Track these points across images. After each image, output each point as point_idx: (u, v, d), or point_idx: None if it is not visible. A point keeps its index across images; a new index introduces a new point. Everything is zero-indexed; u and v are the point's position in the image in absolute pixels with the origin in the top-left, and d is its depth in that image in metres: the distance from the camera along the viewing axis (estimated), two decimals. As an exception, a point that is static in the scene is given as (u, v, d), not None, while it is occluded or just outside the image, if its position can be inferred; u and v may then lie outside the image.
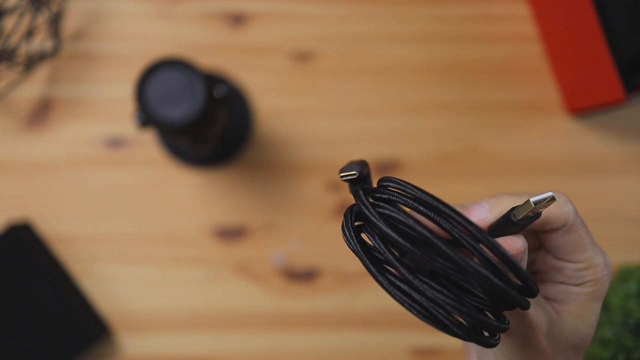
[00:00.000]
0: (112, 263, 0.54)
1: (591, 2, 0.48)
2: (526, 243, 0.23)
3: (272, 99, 0.56)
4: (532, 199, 0.21)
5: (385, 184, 0.23)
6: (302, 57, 0.56)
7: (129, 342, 0.53)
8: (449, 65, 0.57)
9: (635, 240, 0.56)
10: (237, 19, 0.57)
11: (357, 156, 0.56)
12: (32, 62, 0.53)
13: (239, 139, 0.55)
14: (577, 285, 0.24)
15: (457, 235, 0.21)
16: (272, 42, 0.56)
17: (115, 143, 0.55)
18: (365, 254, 0.23)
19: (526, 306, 0.21)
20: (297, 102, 0.56)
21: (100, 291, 0.54)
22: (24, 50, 0.54)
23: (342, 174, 0.24)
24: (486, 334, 0.22)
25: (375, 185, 0.24)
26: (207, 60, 0.56)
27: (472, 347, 0.28)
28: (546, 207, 0.22)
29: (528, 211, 0.21)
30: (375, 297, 0.54)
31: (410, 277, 0.21)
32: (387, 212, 0.21)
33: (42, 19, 0.54)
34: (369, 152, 0.56)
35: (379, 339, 0.54)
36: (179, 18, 0.56)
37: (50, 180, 0.54)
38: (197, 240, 0.54)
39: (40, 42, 0.55)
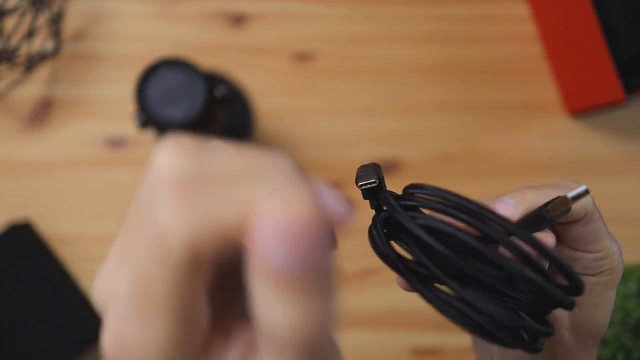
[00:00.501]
0: (113, 263, 0.54)
1: (591, 3, 0.48)
2: (555, 238, 0.22)
3: (272, 99, 0.56)
4: (570, 195, 0.20)
5: (412, 191, 0.22)
6: (302, 57, 0.56)
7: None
8: (449, 66, 0.57)
9: (635, 240, 0.56)
10: (237, 19, 0.57)
11: (357, 156, 0.56)
12: (32, 62, 0.53)
13: (239, 139, 0.55)
14: (594, 275, 0.24)
15: (500, 240, 0.19)
16: (272, 42, 0.56)
17: (116, 143, 0.55)
18: (407, 268, 0.22)
19: (572, 306, 0.21)
20: (297, 102, 0.56)
21: (100, 291, 0.54)
22: (24, 50, 0.54)
23: (361, 183, 0.23)
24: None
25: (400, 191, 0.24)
26: (207, 61, 0.56)
27: (485, 343, 0.28)
28: (579, 201, 0.21)
29: (564, 207, 0.21)
30: (375, 297, 0.54)
31: (464, 293, 0.20)
32: (428, 223, 0.21)
33: (43, 19, 0.54)
34: (369, 152, 0.56)
35: (379, 338, 0.54)
36: (179, 18, 0.56)
37: (51, 180, 0.54)
38: (197, 240, 0.54)
39: (41, 42, 0.55)
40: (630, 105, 0.54)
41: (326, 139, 0.56)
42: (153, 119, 0.41)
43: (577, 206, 0.23)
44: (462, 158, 0.56)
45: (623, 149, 0.56)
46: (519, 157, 0.56)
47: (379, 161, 0.56)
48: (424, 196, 0.22)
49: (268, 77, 0.56)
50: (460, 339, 0.54)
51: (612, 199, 0.56)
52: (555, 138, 0.56)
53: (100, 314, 0.53)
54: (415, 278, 0.22)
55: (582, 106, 0.54)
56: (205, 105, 0.42)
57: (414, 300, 0.54)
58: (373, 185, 0.23)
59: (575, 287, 0.21)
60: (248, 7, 0.57)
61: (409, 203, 0.22)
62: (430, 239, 0.20)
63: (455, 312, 0.21)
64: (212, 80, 0.45)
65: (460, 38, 0.57)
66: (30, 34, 0.52)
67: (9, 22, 0.52)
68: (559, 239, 0.25)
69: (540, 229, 0.22)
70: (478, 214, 0.20)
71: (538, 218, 0.22)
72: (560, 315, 0.24)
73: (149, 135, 0.55)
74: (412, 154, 0.56)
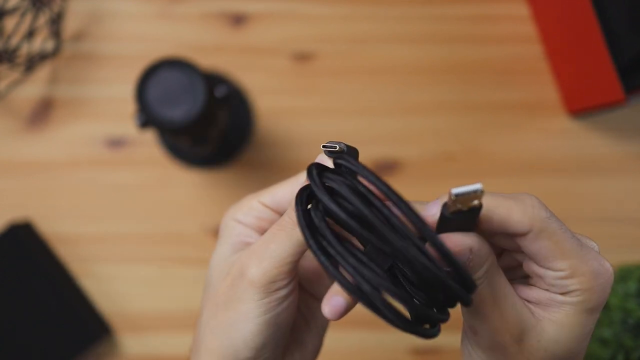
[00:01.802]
0: (112, 263, 0.54)
1: (591, 3, 0.48)
2: (477, 242, 0.21)
3: (272, 99, 0.56)
4: (454, 190, 0.20)
5: (340, 161, 0.22)
6: (302, 57, 0.56)
7: (129, 342, 0.53)
8: (449, 66, 0.57)
9: (635, 240, 0.56)
10: (238, 19, 0.57)
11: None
12: (33, 62, 0.54)
13: (239, 139, 0.55)
14: (562, 294, 0.22)
15: (396, 223, 0.19)
16: (273, 42, 0.56)
17: (116, 143, 0.55)
18: (315, 239, 0.22)
19: (465, 299, 0.20)
20: (297, 102, 0.56)
21: (100, 291, 0.54)
22: (24, 50, 0.54)
23: (325, 144, 0.23)
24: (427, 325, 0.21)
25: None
26: (207, 61, 0.56)
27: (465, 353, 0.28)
28: (474, 200, 0.20)
29: (456, 206, 0.20)
30: (375, 297, 0.54)
31: (342, 250, 0.20)
32: (334, 185, 0.21)
33: (43, 19, 0.54)
34: (369, 152, 0.56)
35: (379, 338, 0.54)
36: (179, 18, 0.56)
37: (51, 180, 0.54)
38: (197, 240, 0.54)
39: (41, 42, 0.55)
40: (630, 106, 0.54)
41: (326, 139, 0.56)
42: (153, 119, 0.41)
43: (516, 219, 0.21)
44: (462, 158, 0.56)
45: (623, 149, 0.56)
46: (519, 157, 0.56)
47: (379, 161, 0.56)
48: (347, 167, 0.22)
49: (268, 77, 0.56)
50: (460, 339, 0.54)
51: (611, 199, 0.56)
52: (555, 138, 0.56)
53: (100, 313, 0.53)
54: (323, 251, 0.21)
55: (582, 106, 0.54)
56: (205, 105, 0.42)
57: (414, 300, 0.54)
58: (333, 150, 0.23)
59: (464, 281, 0.20)
60: (248, 7, 0.57)
61: (330, 181, 0.21)
62: (339, 211, 0.20)
63: (329, 263, 0.21)
64: (212, 80, 0.45)
65: (460, 38, 0.57)
66: (30, 34, 0.52)
67: (9, 22, 0.52)
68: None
69: (450, 229, 0.21)
70: (383, 190, 0.20)
71: (442, 217, 0.21)
72: (500, 322, 0.23)
73: (149, 135, 0.55)
74: (412, 154, 0.56)
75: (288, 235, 0.25)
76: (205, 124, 0.44)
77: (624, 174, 0.56)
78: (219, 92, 0.46)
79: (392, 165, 0.56)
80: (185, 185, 0.55)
